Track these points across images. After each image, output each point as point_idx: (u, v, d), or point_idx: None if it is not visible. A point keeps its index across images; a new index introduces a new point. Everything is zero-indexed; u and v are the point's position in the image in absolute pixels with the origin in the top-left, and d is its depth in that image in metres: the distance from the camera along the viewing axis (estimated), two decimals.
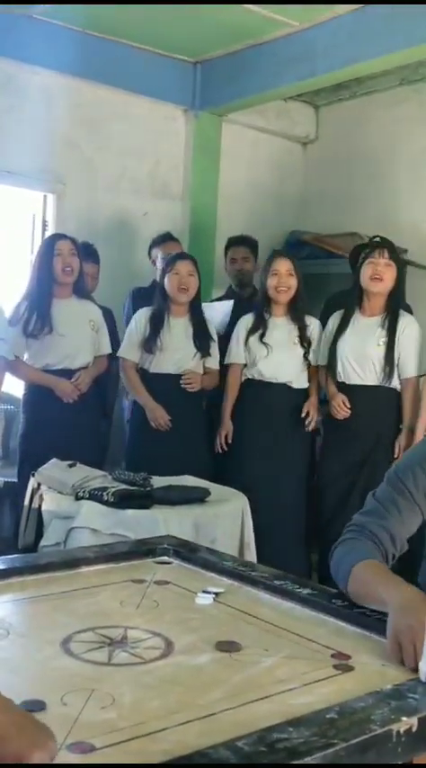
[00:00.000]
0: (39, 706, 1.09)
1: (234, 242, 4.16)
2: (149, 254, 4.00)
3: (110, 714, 1.11)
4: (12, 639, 1.36)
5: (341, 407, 3.37)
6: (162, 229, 4.05)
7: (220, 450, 3.57)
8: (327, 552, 3.40)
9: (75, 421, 3.44)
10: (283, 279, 3.49)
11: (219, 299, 4.09)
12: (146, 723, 1.07)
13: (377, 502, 1.64)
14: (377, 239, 3.42)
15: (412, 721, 1.08)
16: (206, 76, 4.58)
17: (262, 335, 3.53)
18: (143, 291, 3.91)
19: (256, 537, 2.87)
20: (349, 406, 3.37)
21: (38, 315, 3.39)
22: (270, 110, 4.82)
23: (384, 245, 3.41)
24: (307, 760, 0.97)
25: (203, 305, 3.69)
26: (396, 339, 3.36)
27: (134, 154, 4.37)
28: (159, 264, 3.92)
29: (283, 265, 3.52)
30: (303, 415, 3.50)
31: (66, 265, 3.44)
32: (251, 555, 2.79)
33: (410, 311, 3.64)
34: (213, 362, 3.59)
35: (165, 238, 3.97)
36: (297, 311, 3.55)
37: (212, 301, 4.09)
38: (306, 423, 3.51)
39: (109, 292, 3.91)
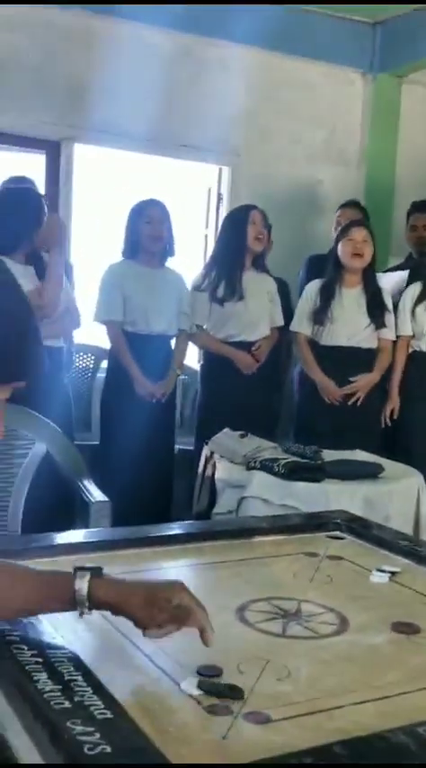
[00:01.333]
0: (215, 671, 1.12)
1: (417, 207, 3.98)
2: (337, 222, 3.93)
3: (285, 687, 1.11)
4: None
5: None
6: (338, 197, 3.96)
7: (384, 426, 3.48)
8: None
9: (250, 393, 3.48)
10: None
11: (398, 268, 3.95)
12: (322, 699, 1.06)
13: None
14: None
15: None
16: (385, 38, 4.40)
17: None
18: (319, 258, 3.86)
19: None
20: None
21: (227, 281, 3.45)
22: None
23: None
24: None
25: (377, 275, 3.59)
26: None
27: (310, 121, 4.30)
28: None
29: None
30: None
31: (259, 234, 3.47)
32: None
33: None
34: (389, 334, 3.48)
35: (348, 204, 3.89)
36: None
37: (388, 270, 3.95)
38: None
39: (283, 263, 3.89)
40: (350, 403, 3.40)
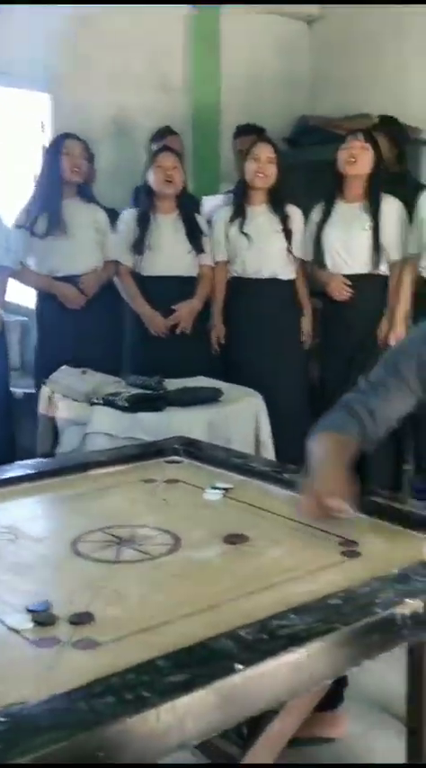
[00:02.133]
0: (44, 606, 1.11)
1: (241, 131, 3.95)
2: (150, 151, 3.84)
3: (115, 610, 1.12)
4: (21, 544, 1.37)
5: (342, 287, 3.29)
6: (164, 124, 3.88)
7: (214, 352, 3.51)
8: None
9: (87, 329, 3.39)
10: (262, 165, 3.35)
11: (228, 194, 3.94)
12: (150, 617, 1.08)
13: (367, 382, 1.64)
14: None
15: (418, 604, 1.08)
16: None
17: (242, 225, 3.40)
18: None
19: (275, 436, 2.84)
20: (350, 284, 3.29)
21: (48, 215, 3.32)
22: None
23: (359, 129, 3.39)
24: (308, 645, 0.97)
25: (204, 198, 3.56)
26: (381, 223, 3.26)
27: (131, 48, 4.14)
28: None
29: (263, 152, 3.36)
30: (304, 338, 3.46)
31: (75, 165, 3.34)
32: (268, 454, 2.78)
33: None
34: (208, 259, 3.48)
35: (165, 132, 3.81)
36: (277, 200, 3.40)
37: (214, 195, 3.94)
38: (302, 340, 3.46)
39: (112, 193, 3.78)
40: (178, 332, 3.39)
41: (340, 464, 1.46)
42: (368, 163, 3.28)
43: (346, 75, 4.57)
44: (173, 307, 3.37)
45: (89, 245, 3.41)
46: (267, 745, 1.28)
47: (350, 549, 1.32)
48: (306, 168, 4.10)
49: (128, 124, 4.10)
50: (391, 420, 1.61)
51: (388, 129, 3.78)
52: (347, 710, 1.91)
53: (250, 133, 3.90)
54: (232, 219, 3.41)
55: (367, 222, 3.27)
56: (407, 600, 1.07)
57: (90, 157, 3.47)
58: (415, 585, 1.12)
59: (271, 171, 3.35)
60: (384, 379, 1.61)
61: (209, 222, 3.54)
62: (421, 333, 1.65)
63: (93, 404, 2.63)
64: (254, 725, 1.35)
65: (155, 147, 3.74)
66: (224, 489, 1.60)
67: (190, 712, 0.87)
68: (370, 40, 4.45)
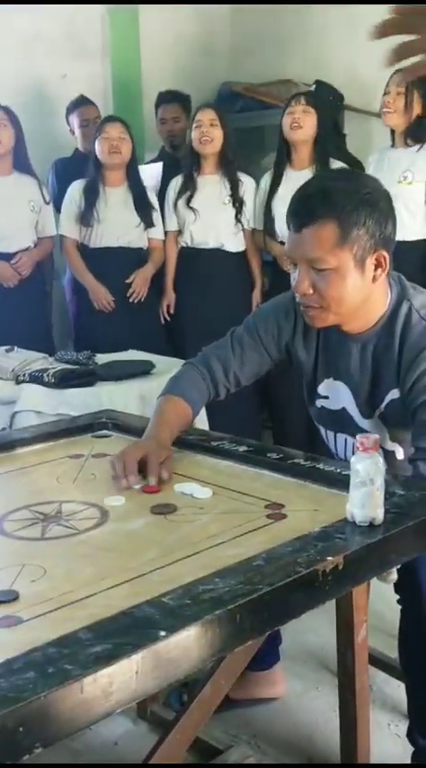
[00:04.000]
0: None
1: (163, 99, 3.90)
2: (67, 122, 3.76)
3: (40, 586, 1.11)
4: None
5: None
6: (84, 93, 3.79)
7: (163, 321, 3.52)
8: (276, 412, 3.40)
9: (15, 306, 3.33)
10: (206, 129, 3.33)
11: (154, 162, 3.90)
12: (75, 591, 1.07)
13: (229, 337, 1.76)
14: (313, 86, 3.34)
15: (338, 560, 1.10)
16: None
17: (190, 198, 3.40)
18: (65, 162, 3.70)
19: (207, 408, 2.85)
20: None
21: None
22: None
23: (301, 93, 3.40)
24: (231, 607, 0.98)
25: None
26: None
27: (46, 13, 4.02)
28: (77, 132, 3.69)
29: (206, 115, 3.35)
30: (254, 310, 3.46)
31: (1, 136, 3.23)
32: (202, 425, 2.78)
33: (360, 166, 3.52)
34: (158, 233, 3.46)
35: (80, 102, 3.72)
36: (226, 167, 3.40)
37: (145, 165, 3.89)
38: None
39: (34, 167, 3.69)
40: (133, 300, 3.37)
41: (163, 433, 1.59)
42: (311, 126, 3.29)
43: (267, 40, 4.54)
44: (127, 281, 3.35)
45: (21, 221, 3.34)
46: (201, 708, 1.30)
47: (276, 512, 1.33)
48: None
49: (44, 93, 3.99)
50: (242, 378, 1.74)
51: (322, 98, 3.78)
52: (285, 670, 1.95)
53: (173, 101, 3.86)
54: (181, 191, 3.39)
55: None
56: (329, 557, 1.09)
57: (14, 123, 3.33)
58: (336, 543, 1.14)
59: (216, 134, 3.34)
60: (241, 338, 1.73)
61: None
62: (284, 302, 1.71)
63: (19, 382, 2.58)
64: (192, 690, 1.37)
65: (71, 117, 3.67)
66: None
67: (114, 682, 0.87)
68: (290, 5, 4.42)
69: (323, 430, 1.73)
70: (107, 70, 4.25)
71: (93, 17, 4.20)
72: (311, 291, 1.51)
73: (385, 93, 3.14)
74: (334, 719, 1.68)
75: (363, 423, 1.61)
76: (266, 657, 1.81)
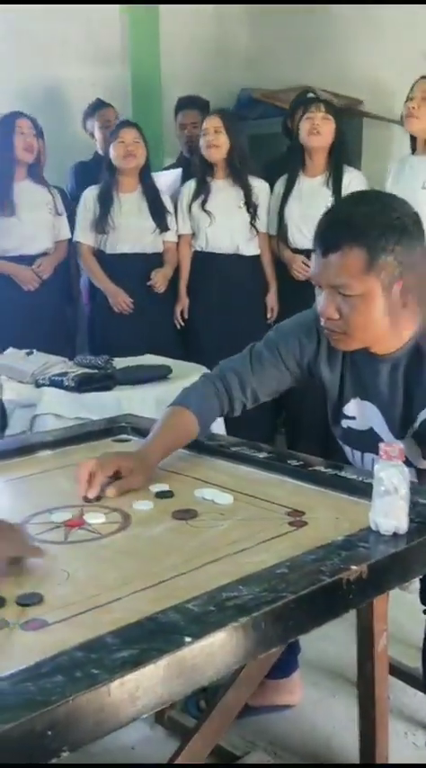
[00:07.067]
0: None
1: (183, 104, 3.92)
2: (84, 126, 3.78)
3: (64, 590, 1.11)
4: None
5: (304, 268, 3.31)
6: (103, 98, 3.81)
7: (178, 326, 3.53)
8: (293, 416, 3.39)
9: (38, 309, 3.37)
10: (211, 137, 3.34)
11: (172, 167, 3.91)
12: (100, 595, 1.08)
13: (248, 352, 1.71)
14: (312, 95, 3.35)
15: (362, 569, 1.10)
16: None
17: (204, 202, 3.41)
18: (85, 166, 3.73)
19: None
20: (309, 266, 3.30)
21: None
22: None
23: (319, 99, 3.37)
24: (256, 615, 0.98)
25: (152, 175, 3.54)
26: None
27: (67, 18, 4.05)
28: (98, 135, 3.72)
29: (211, 122, 3.36)
30: (269, 315, 3.47)
31: (28, 145, 3.28)
32: (218, 429, 2.78)
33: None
34: (172, 236, 3.48)
35: (98, 106, 3.74)
36: (236, 172, 3.41)
37: (164, 170, 3.91)
38: (269, 317, 3.48)
39: (54, 171, 3.72)
40: (154, 288, 3.40)
41: (152, 453, 1.53)
42: (330, 133, 3.29)
43: (286, 46, 4.55)
44: (149, 283, 3.38)
45: (42, 225, 3.37)
46: (222, 715, 1.30)
47: (297, 519, 1.33)
48: (249, 141, 4.08)
49: (64, 98, 4.02)
50: (260, 393, 1.69)
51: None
52: (302, 677, 1.95)
53: (192, 106, 3.88)
54: (195, 196, 3.41)
55: (329, 197, 3.27)
56: (353, 566, 1.09)
57: (39, 133, 3.39)
58: (359, 551, 1.14)
59: (221, 141, 3.35)
60: (261, 354, 1.68)
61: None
62: (306, 321, 1.66)
63: (39, 385, 2.60)
64: (213, 698, 1.37)
65: (89, 122, 3.70)
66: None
67: (141, 687, 0.88)
68: (310, 10, 4.43)
69: (348, 449, 1.68)
70: (126, 75, 4.27)
71: (112, 21, 4.23)
72: (337, 317, 1.47)
73: (408, 99, 3.13)
74: (351, 727, 1.68)
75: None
76: (285, 666, 1.81)
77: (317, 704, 1.97)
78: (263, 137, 4.12)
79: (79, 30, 4.08)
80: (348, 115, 3.96)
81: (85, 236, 3.42)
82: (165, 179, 3.64)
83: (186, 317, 3.53)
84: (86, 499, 1.43)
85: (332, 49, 4.38)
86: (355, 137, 4.12)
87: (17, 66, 3.89)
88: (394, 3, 3.75)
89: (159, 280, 3.41)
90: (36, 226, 3.36)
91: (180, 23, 4.40)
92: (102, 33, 4.19)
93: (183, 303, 3.52)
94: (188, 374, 2.82)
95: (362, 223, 1.42)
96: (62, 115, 3.93)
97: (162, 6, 4.34)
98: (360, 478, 1.43)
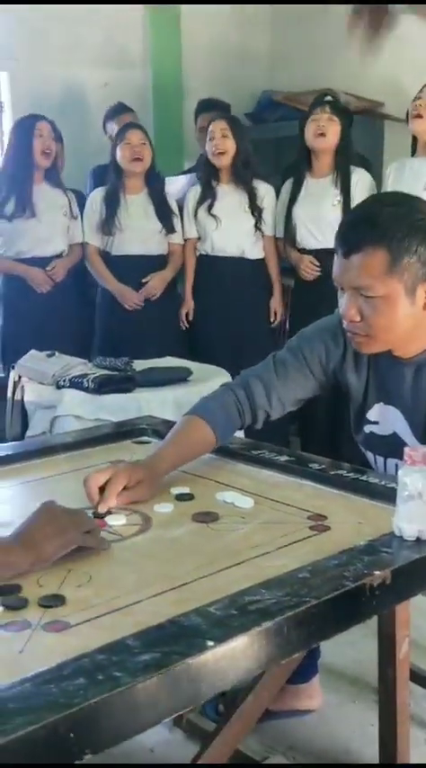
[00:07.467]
0: (14, 590, 1.10)
1: (203, 106, 3.92)
2: (104, 129, 3.79)
3: (86, 592, 1.11)
4: None
5: (311, 267, 3.30)
6: (125, 100, 3.82)
7: (183, 328, 3.53)
8: (304, 424, 3.35)
9: (54, 311, 3.38)
10: (218, 141, 3.34)
11: (192, 170, 3.91)
12: (121, 597, 1.08)
13: (271, 359, 1.67)
14: (330, 97, 3.36)
15: (386, 574, 1.09)
16: None
17: (210, 206, 3.41)
18: (104, 169, 3.74)
19: None
20: (318, 264, 3.29)
21: (17, 197, 3.28)
22: None
23: (325, 101, 3.36)
24: (278, 619, 0.97)
25: (166, 179, 3.56)
26: (352, 196, 3.26)
27: (87, 21, 4.06)
28: None
29: (218, 126, 3.36)
30: (272, 318, 3.47)
31: (46, 148, 3.31)
32: (237, 434, 2.78)
33: (367, 166, 3.52)
34: (178, 238, 3.48)
35: (119, 110, 3.76)
36: (241, 176, 3.40)
37: (183, 173, 3.91)
38: (272, 320, 3.48)
39: (73, 174, 3.74)
40: (150, 297, 3.38)
41: (162, 463, 1.49)
42: (335, 134, 3.28)
43: (308, 49, 4.54)
44: (143, 280, 3.38)
45: (57, 227, 3.39)
46: (243, 720, 1.29)
47: (319, 524, 1.32)
48: (270, 144, 4.08)
49: (85, 100, 4.03)
50: (288, 402, 1.66)
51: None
52: (322, 682, 1.94)
53: (213, 109, 3.88)
54: (201, 200, 3.41)
55: (337, 197, 3.27)
56: (376, 572, 1.08)
57: (58, 137, 3.42)
58: (383, 557, 1.13)
59: (227, 145, 3.35)
60: (286, 360, 1.65)
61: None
62: (331, 326, 1.65)
63: (59, 387, 2.61)
64: (231, 702, 1.36)
65: (109, 125, 3.71)
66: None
67: (163, 690, 0.87)
68: (331, 11, 4.41)
69: (371, 455, 1.66)
70: (148, 78, 4.28)
71: (133, 24, 4.24)
72: (358, 318, 1.46)
73: (415, 99, 3.11)
74: (371, 733, 1.67)
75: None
76: (304, 670, 1.80)
77: (337, 709, 1.96)
78: (284, 139, 4.12)
79: (99, 32, 4.10)
80: (369, 117, 3.95)
81: (92, 238, 3.43)
82: (177, 182, 3.65)
83: (191, 319, 3.53)
84: (97, 515, 1.38)
85: (354, 52, 4.35)
86: (376, 139, 4.11)
87: (37, 68, 3.91)
88: (415, 3, 3.73)
89: (154, 284, 3.40)
90: (51, 228, 3.38)
91: (201, 26, 4.40)
92: (122, 36, 4.20)
93: (189, 306, 3.53)
94: (208, 377, 2.83)
95: (385, 224, 1.41)
96: (82, 118, 3.94)
97: (183, 9, 4.34)
98: (383, 483, 1.42)
